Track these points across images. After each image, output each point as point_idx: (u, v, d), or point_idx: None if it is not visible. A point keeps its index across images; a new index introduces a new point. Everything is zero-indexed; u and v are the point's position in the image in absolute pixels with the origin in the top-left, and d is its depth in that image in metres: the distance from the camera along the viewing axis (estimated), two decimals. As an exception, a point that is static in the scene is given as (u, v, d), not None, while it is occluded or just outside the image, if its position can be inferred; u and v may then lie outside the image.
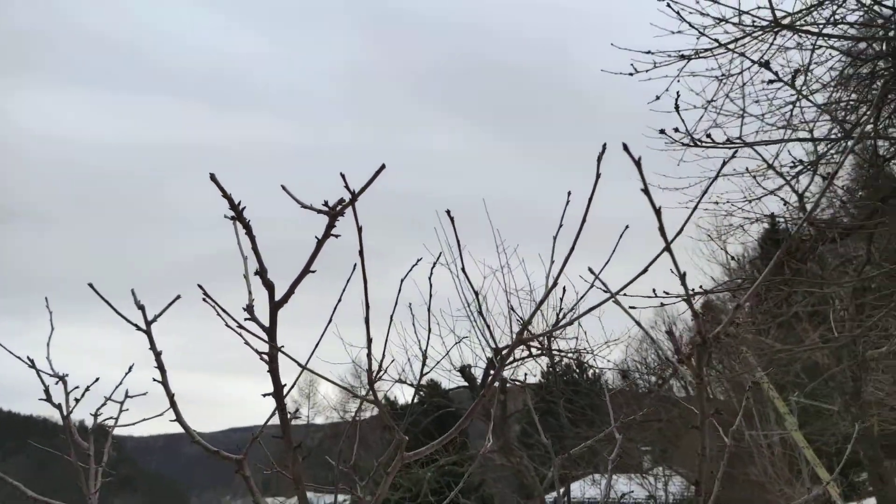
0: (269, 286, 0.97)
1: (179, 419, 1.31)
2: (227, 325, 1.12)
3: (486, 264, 7.09)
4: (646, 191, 0.98)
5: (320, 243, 0.93)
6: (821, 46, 6.37)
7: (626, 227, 1.51)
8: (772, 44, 5.29)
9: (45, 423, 42.24)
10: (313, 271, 0.96)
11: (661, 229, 0.98)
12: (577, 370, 24.09)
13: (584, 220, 1.27)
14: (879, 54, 6.25)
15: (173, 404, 1.30)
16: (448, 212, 1.13)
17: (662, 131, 3.96)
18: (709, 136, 5.07)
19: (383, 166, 0.86)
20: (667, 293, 4.29)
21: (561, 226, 1.26)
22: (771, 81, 5.76)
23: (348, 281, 1.29)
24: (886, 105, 6.18)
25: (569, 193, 1.36)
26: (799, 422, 11.41)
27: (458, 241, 1.16)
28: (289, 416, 1.09)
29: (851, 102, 6.92)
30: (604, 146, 1.07)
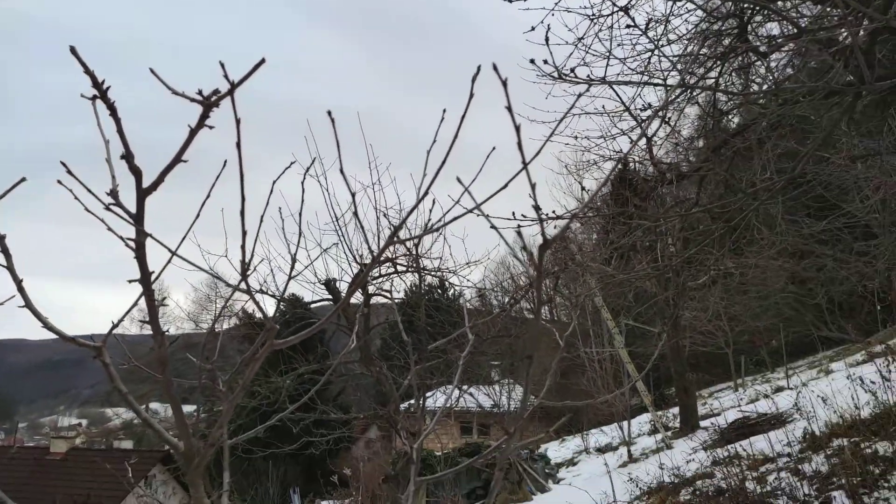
0: (137, 171, 0.97)
1: (29, 305, 1.26)
2: (87, 210, 1.10)
3: (357, 179, 7.06)
4: (509, 108, 1.09)
5: (193, 133, 0.94)
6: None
7: (493, 148, 1.65)
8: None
9: None
10: (184, 161, 0.97)
11: (519, 144, 1.09)
12: (439, 289, 25.14)
13: (455, 137, 1.36)
14: (730, 13, 6.86)
15: (21, 290, 1.25)
16: (329, 113, 1.16)
17: (532, 61, 4.12)
18: (573, 71, 5.35)
19: (263, 60, 0.88)
20: (524, 216, 4.60)
21: (434, 141, 1.34)
22: (629, 27, 6.15)
23: (217, 178, 1.30)
24: (729, 62, 6.84)
25: (444, 111, 1.44)
26: (626, 342, 12.98)
27: (337, 144, 1.20)
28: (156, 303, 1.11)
29: (701, 56, 7.59)
30: (478, 68, 1.15)
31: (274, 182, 1.47)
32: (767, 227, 8.35)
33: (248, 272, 1.27)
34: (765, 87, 8.33)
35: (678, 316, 11.77)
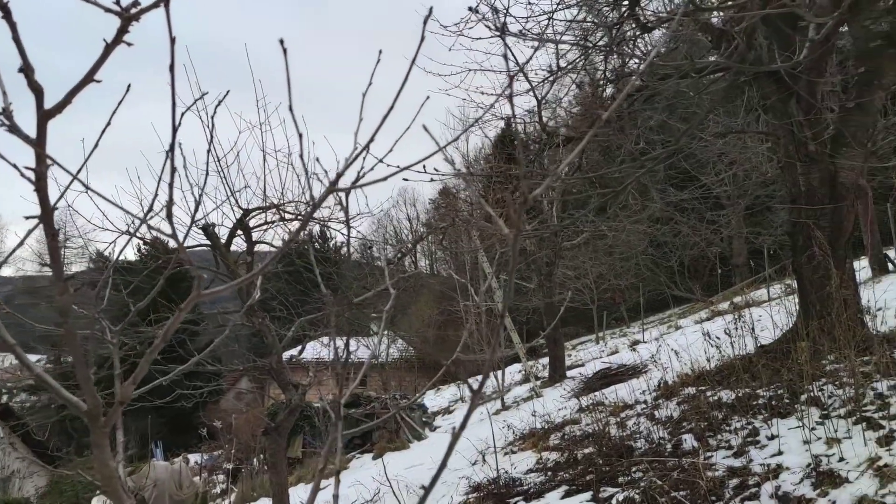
0: (37, 89, 0.82)
1: None
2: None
3: (243, 118, 6.59)
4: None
5: (109, 48, 0.80)
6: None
7: (397, 96, 1.59)
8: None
9: None
10: (98, 81, 0.83)
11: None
12: (320, 240, 24.63)
13: (369, 84, 1.28)
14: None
15: None
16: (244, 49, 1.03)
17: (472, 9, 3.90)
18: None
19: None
20: (437, 170, 4.57)
21: (370, 84, 1.25)
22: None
23: (120, 103, 1.14)
24: (620, 34, 7.13)
25: (379, 61, 1.35)
26: (504, 296, 13.57)
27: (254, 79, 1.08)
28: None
29: (591, 25, 7.86)
30: (430, 9, 1.08)
31: (183, 117, 1.32)
32: (641, 194, 8.98)
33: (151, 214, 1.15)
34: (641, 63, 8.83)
35: (552, 273, 12.45)
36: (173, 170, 0.87)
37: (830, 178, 5.57)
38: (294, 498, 7.20)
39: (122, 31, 0.81)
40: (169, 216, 1.05)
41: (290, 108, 0.86)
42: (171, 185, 0.99)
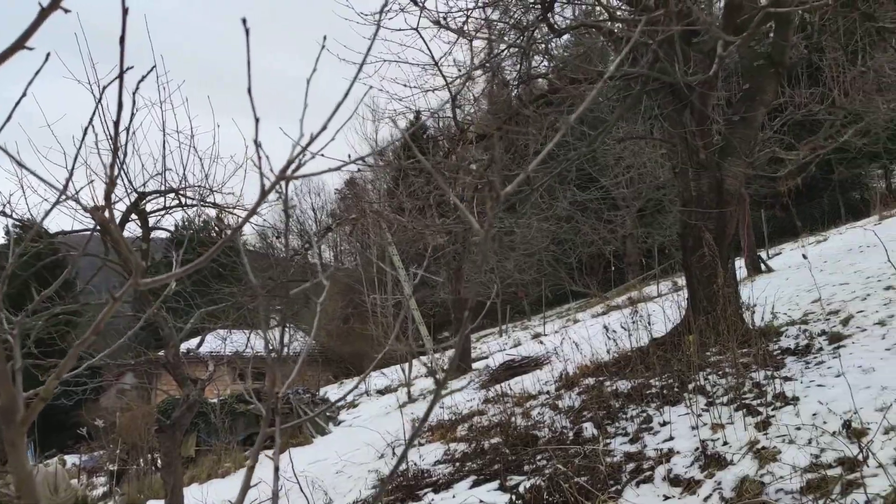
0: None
1: None
2: None
3: (141, 95, 6.13)
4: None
5: (44, 13, 0.72)
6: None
7: (308, 80, 1.56)
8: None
9: None
10: (30, 48, 0.74)
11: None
12: (217, 228, 23.49)
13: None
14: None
15: None
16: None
17: None
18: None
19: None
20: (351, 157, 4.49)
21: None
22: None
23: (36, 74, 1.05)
24: (531, 36, 7.33)
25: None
26: (413, 289, 13.62)
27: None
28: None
29: (505, 24, 8.04)
30: None
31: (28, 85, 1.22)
32: (548, 194, 9.31)
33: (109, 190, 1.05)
34: (548, 66, 9.15)
35: (461, 267, 12.65)
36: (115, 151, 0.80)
37: (717, 185, 6.06)
38: (188, 498, 6.86)
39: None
40: (108, 201, 0.97)
41: (249, 91, 0.81)
42: (112, 165, 0.91)
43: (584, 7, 8.87)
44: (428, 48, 7.11)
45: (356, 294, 20.06)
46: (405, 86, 7.86)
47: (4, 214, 6.98)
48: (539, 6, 7.42)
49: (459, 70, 7.03)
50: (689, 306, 6.20)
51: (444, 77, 7.34)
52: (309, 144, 1.08)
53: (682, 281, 11.40)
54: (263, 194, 1.03)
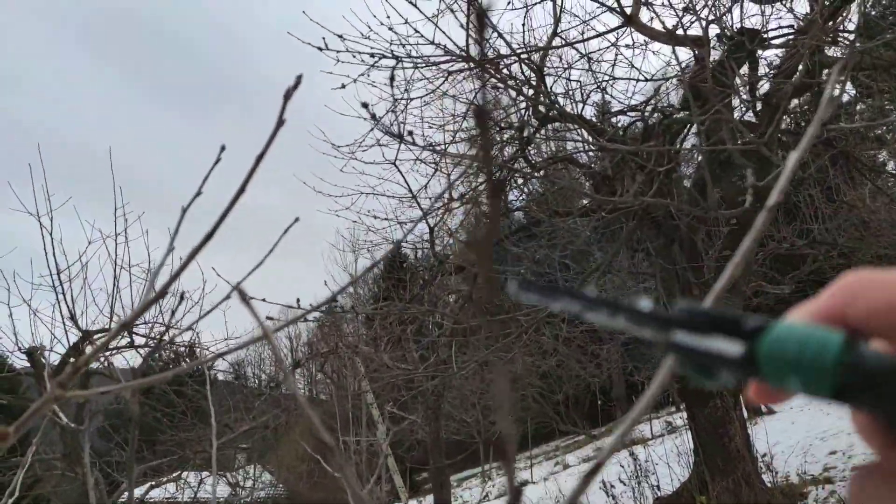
0: None
1: None
2: None
3: (95, 227, 5.75)
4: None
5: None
6: (473, 103, 7.22)
7: (297, 219, 1.31)
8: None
9: None
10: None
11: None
12: (188, 358, 22.37)
13: (230, 206, 0.84)
14: (511, 125, 7.37)
15: None
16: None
17: (366, 105, 3.50)
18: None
19: None
20: (298, 305, 4.00)
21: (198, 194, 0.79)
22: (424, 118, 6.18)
23: None
24: (510, 171, 7.24)
25: (222, 147, 0.90)
26: (386, 428, 12.58)
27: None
28: None
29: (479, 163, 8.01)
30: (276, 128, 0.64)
31: None
32: (533, 329, 8.85)
33: None
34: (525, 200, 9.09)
35: (440, 406, 11.80)
36: None
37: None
38: None
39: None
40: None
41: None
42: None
43: (557, 143, 8.99)
44: (405, 181, 6.97)
45: (330, 432, 18.69)
46: (383, 218, 7.65)
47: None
48: (517, 141, 7.43)
49: (436, 202, 6.83)
50: (696, 460, 5.52)
51: (420, 209, 7.12)
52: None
53: (677, 420, 10.65)
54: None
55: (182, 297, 6.22)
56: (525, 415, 17.04)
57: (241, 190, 1.32)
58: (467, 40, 4.17)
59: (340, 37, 4.45)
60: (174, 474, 8.08)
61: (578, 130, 7.09)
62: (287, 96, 1.12)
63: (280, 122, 1.11)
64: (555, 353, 12.60)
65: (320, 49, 4.36)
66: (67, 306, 6.03)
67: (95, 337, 6.55)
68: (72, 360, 6.19)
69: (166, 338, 7.00)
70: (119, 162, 5.59)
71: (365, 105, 2.62)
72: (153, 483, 7.76)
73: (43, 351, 6.27)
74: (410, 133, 2.85)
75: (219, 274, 3.28)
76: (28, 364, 6.48)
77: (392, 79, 4.25)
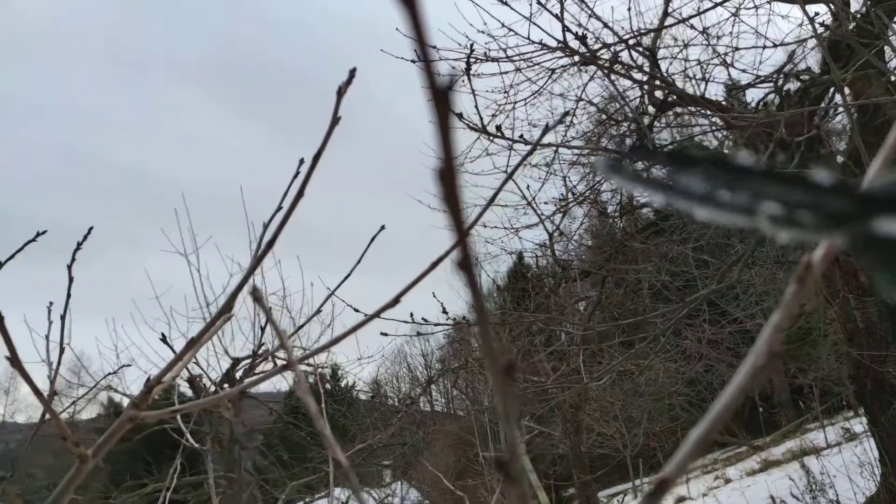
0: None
1: None
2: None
3: (234, 260, 6.20)
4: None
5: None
6: (581, 99, 6.90)
7: (382, 226, 1.27)
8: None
9: None
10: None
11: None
12: (332, 379, 23.63)
13: (290, 210, 0.79)
14: (628, 116, 6.95)
15: None
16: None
17: (461, 115, 3.42)
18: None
19: None
20: (425, 320, 3.96)
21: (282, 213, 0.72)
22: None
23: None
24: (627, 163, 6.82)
25: (300, 161, 0.84)
26: (524, 442, 12.33)
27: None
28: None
29: (599, 158, 7.63)
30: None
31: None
32: (674, 333, 8.25)
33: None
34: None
35: (579, 418, 11.37)
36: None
37: (891, 312, 4.84)
38: None
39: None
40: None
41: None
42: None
43: (680, 129, 8.35)
44: (519, 188, 6.80)
45: (468, 447, 18.78)
46: (500, 227, 7.52)
47: (111, 389, 7.04)
48: (635, 132, 6.99)
49: (554, 206, 6.58)
50: (883, 471, 4.73)
51: (537, 213, 6.91)
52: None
53: (855, 427, 9.35)
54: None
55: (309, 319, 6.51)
56: (674, 425, 15.93)
57: (300, 194, 1.23)
58: (564, 34, 3.97)
59: (434, 47, 4.41)
60: (324, 491, 8.43)
61: (702, 112, 6.53)
62: (340, 93, 1.02)
63: (335, 120, 1.01)
64: (700, 358, 11.66)
65: (413, 62, 4.37)
66: (217, 336, 6.52)
67: (243, 363, 7.02)
68: (224, 385, 6.68)
69: (308, 360, 7.34)
70: (249, 196, 5.99)
71: (459, 115, 2.54)
72: (307, 500, 8.13)
73: (201, 378, 6.84)
74: (499, 128, 2.72)
75: (342, 299, 3.34)
76: (191, 391, 7.10)
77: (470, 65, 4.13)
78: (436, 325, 4.63)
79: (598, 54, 5.48)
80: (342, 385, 23.44)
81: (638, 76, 5.95)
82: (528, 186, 6.36)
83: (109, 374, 1.95)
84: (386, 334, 3.66)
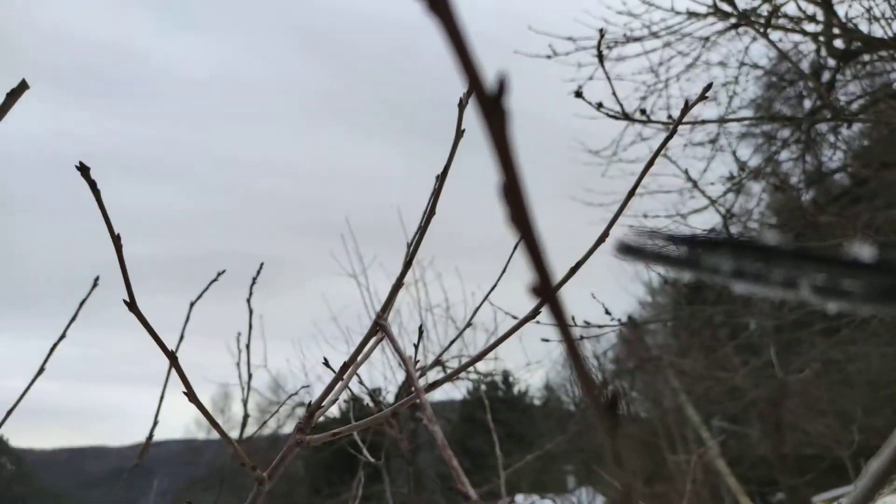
0: None
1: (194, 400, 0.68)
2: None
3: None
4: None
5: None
6: (745, 64, 6.23)
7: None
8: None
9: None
10: None
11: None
12: (504, 386, 23.82)
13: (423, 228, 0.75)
14: (803, 74, 6.14)
15: (176, 366, 0.69)
16: None
17: (600, 105, 3.20)
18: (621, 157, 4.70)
19: None
20: (587, 323, 3.80)
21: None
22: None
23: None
24: (813, 127, 6.04)
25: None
26: (719, 444, 11.36)
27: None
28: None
29: (775, 125, 6.82)
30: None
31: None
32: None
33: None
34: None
35: (779, 415, 10.25)
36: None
37: None
38: None
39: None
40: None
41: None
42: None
43: (871, 79, 7.21)
44: (682, 171, 6.31)
45: (655, 451, 17.81)
46: (664, 216, 7.04)
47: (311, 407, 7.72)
48: (815, 91, 6.16)
49: (724, 185, 6.01)
50: None
51: (706, 196, 6.36)
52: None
53: None
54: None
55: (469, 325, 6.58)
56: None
57: (431, 212, 1.20)
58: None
59: (570, 38, 4.27)
60: (508, 498, 8.47)
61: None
62: (461, 106, 0.98)
63: (459, 133, 0.98)
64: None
65: (548, 57, 4.24)
66: (390, 349, 6.86)
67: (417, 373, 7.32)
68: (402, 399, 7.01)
69: (475, 369, 7.44)
70: (408, 215, 6.25)
71: (600, 105, 2.40)
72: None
73: (379, 392, 7.25)
74: (643, 111, 2.50)
75: (496, 305, 3.32)
76: (372, 404, 7.55)
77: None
78: (599, 327, 4.40)
79: (757, 11, 4.91)
80: (515, 392, 23.53)
81: (810, 28, 5.24)
82: (685, 170, 5.87)
83: (292, 394, 2.12)
84: (547, 340, 3.56)
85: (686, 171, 5.70)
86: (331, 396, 0.99)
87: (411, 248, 0.98)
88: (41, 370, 1.06)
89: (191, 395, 0.69)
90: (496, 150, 0.20)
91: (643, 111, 2.60)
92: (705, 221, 6.62)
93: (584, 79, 4.29)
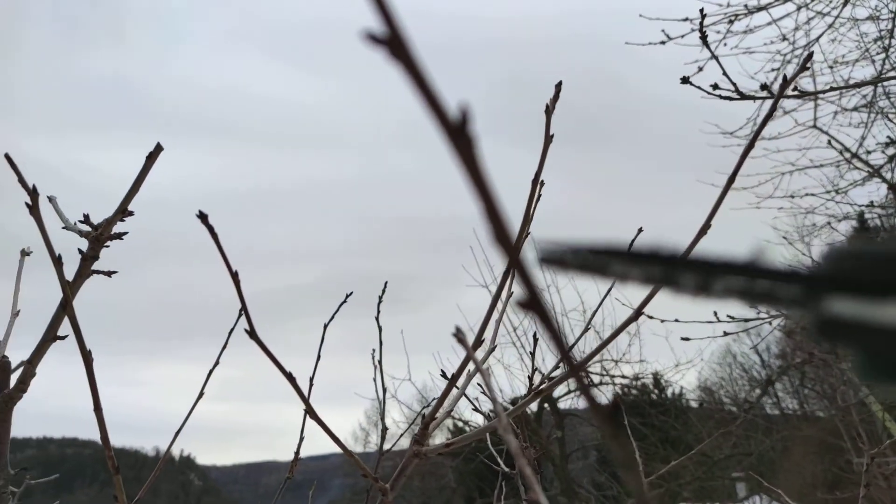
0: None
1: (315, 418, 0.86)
2: None
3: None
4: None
5: None
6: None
7: (640, 229, 1.26)
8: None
9: (136, 454, 43.78)
10: None
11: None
12: (656, 390, 22.55)
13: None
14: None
15: (294, 385, 0.86)
16: None
17: (716, 86, 2.94)
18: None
19: None
20: (731, 317, 3.53)
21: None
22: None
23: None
24: None
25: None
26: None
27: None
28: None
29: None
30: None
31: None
32: None
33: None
34: None
35: None
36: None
37: None
38: None
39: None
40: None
41: None
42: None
43: None
44: (836, 141, 5.66)
45: (837, 453, 15.95)
46: (820, 193, 6.34)
47: (453, 418, 7.94)
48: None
49: (885, 150, 5.31)
50: None
51: (868, 164, 5.65)
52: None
53: None
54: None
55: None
56: None
57: (527, 219, 1.20)
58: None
59: (686, 19, 4.01)
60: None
61: None
62: (548, 111, 0.98)
63: (548, 139, 0.98)
64: None
65: (662, 43, 4.01)
66: (527, 356, 6.84)
67: (553, 381, 7.24)
68: (544, 406, 6.93)
69: (620, 373, 7.19)
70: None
71: (714, 86, 2.23)
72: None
73: (518, 399, 7.24)
74: (764, 86, 2.24)
75: (624, 303, 3.19)
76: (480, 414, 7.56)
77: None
78: (746, 321, 4.05)
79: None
80: (668, 394, 22.18)
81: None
82: (829, 141, 5.23)
83: (425, 407, 2.19)
84: (687, 339, 3.36)
85: (834, 144, 5.12)
86: (445, 407, 1.02)
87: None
88: (201, 394, 1.20)
89: (310, 412, 0.76)
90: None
91: (764, 86, 2.37)
92: (869, 194, 5.88)
93: (706, 59, 4.01)
